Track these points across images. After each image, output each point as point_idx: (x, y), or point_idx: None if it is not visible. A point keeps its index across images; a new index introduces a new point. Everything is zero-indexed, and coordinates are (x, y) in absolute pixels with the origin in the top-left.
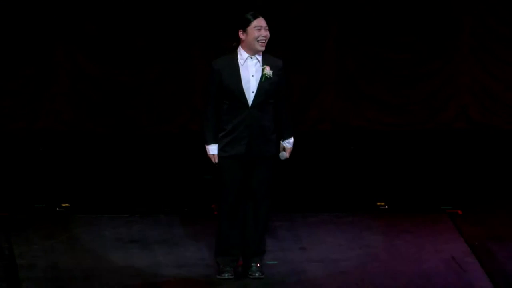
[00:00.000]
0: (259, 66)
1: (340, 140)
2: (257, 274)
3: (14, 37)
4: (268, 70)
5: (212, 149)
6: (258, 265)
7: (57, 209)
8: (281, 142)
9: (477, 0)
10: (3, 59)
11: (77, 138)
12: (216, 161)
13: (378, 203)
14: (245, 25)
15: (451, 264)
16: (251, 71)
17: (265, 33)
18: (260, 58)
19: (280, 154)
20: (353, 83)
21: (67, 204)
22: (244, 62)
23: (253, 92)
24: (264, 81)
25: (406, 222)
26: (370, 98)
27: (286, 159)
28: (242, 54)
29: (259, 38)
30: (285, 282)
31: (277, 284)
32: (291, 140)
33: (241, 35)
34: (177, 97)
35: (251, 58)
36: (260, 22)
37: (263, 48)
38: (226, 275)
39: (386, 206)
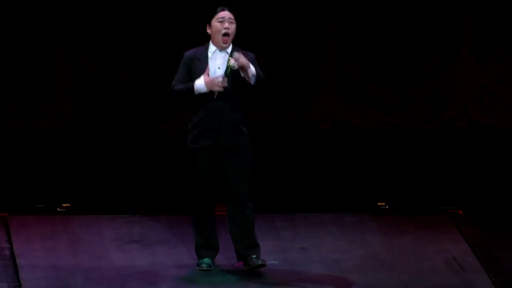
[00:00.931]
0: (227, 58)
1: (340, 140)
2: (259, 262)
3: (14, 37)
4: (232, 62)
5: (199, 82)
6: (255, 256)
7: (58, 209)
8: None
9: (478, 0)
10: (3, 59)
11: (78, 138)
12: (220, 79)
13: (379, 203)
14: (210, 19)
15: (452, 264)
16: (218, 63)
17: (228, 26)
18: (229, 50)
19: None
20: (354, 83)
21: (67, 204)
22: (212, 55)
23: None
24: (229, 73)
25: (407, 222)
26: (370, 98)
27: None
28: (211, 47)
29: (222, 32)
30: (285, 282)
31: (277, 284)
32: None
33: (208, 29)
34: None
35: (220, 51)
36: (223, 14)
37: (226, 44)
38: (205, 266)
39: (387, 206)
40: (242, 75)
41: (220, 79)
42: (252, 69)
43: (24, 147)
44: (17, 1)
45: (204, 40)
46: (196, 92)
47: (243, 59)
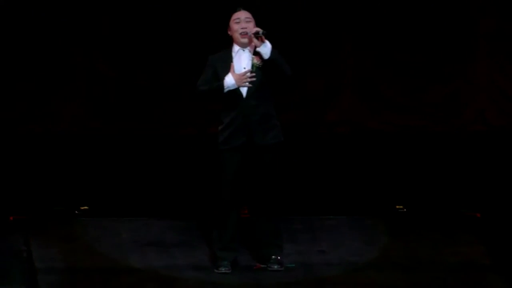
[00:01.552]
0: (251, 57)
1: (358, 143)
2: (275, 267)
3: (31, 39)
4: (257, 60)
5: (228, 78)
6: (279, 258)
7: (76, 212)
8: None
9: (493, 2)
10: (20, 61)
11: (96, 141)
12: (248, 73)
13: (397, 206)
14: (229, 21)
15: (469, 267)
16: (243, 63)
17: (245, 25)
18: (252, 49)
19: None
20: (371, 85)
21: (85, 207)
22: (236, 55)
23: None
24: (255, 71)
25: (424, 225)
26: (387, 100)
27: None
28: (235, 48)
29: (239, 31)
30: (303, 285)
31: (295, 287)
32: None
33: (228, 31)
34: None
35: (243, 50)
36: (239, 14)
37: (246, 40)
38: (223, 269)
39: (405, 209)
40: (253, 58)
41: (248, 74)
42: (268, 43)
43: (42, 149)
44: (35, 3)
45: (224, 42)
46: (226, 89)
47: (255, 28)
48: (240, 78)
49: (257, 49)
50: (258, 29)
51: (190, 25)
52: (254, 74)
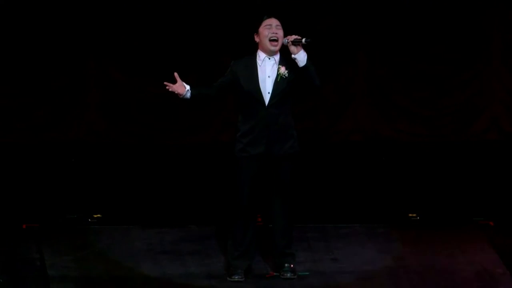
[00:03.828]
0: (276, 66)
1: (371, 152)
2: (288, 275)
3: (46, 48)
4: (283, 70)
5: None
6: (292, 266)
7: (89, 220)
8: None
9: (508, 10)
10: (35, 69)
11: (109, 148)
12: (182, 93)
13: (410, 215)
14: (257, 27)
15: (483, 275)
16: (267, 71)
17: (276, 31)
18: (277, 58)
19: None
20: (385, 94)
21: (99, 215)
22: (262, 63)
23: (268, 92)
24: (279, 81)
25: (437, 233)
26: (401, 109)
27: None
28: (260, 56)
29: (269, 36)
30: None
31: None
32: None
33: (256, 38)
34: (208, 108)
35: (269, 58)
36: (270, 21)
37: (275, 48)
38: (237, 277)
39: (418, 218)
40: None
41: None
42: (303, 50)
43: (56, 157)
44: (50, 12)
45: (236, 48)
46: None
47: (293, 36)
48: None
49: (293, 55)
50: (297, 36)
51: (203, 32)
52: (269, 93)
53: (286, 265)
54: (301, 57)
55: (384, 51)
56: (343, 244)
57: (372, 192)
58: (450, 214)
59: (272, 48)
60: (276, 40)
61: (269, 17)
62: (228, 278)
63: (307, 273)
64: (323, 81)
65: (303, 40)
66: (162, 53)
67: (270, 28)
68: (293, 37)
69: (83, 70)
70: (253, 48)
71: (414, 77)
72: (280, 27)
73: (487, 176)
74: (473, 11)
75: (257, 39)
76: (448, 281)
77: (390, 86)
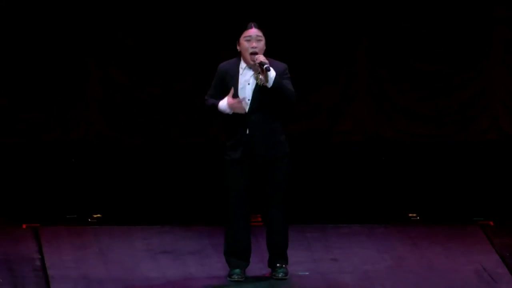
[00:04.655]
0: (255, 74)
1: (372, 152)
2: (280, 275)
3: (46, 48)
4: (262, 77)
5: (222, 103)
6: (284, 266)
7: (89, 219)
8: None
9: (509, 10)
10: (36, 70)
11: (109, 148)
12: (238, 102)
13: (410, 214)
14: (239, 36)
15: (483, 275)
16: (247, 79)
17: (255, 44)
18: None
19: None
20: (385, 94)
21: (98, 215)
22: (242, 71)
23: (248, 99)
24: (259, 89)
25: (437, 233)
26: (402, 109)
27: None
28: (242, 64)
29: (249, 50)
30: None
31: None
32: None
33: (237, 46)
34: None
35: (249, 69)
36: (249, 32)
37: (253, 63)
38: (236, 277)
39: (418, 218)
40: (257, 76)
41: (242, 103)
42: (272, 72)
43: (56, 157)
44: (50, 12)
45: (234, 51)
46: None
47: (262, 58)
48: (233, 105)
49: (260, 77)
50: (264, 60)
51: (203, 32)
52: (249, 100)
53: (277, 265)
54: (267, 78)
55: (384, 51)
56: (342, 244)
57: (372, 192)
58: (450, 214)
59: (251, 62)
60: (256, 54)
61: (250, 27)
62: (228, 278)
63: (306, 273)
64: (323, 81)
65: (265, 66)
66: (162, 53)
67: (250, 41)
68: (260, 59)
69: (83, 70)
70: None
71: (414, 77)
72: (260, 37)
73: (487, 176)
74: (473, 11)
75: (238, 48)
76: (448, 281)
77: (390, 86)
